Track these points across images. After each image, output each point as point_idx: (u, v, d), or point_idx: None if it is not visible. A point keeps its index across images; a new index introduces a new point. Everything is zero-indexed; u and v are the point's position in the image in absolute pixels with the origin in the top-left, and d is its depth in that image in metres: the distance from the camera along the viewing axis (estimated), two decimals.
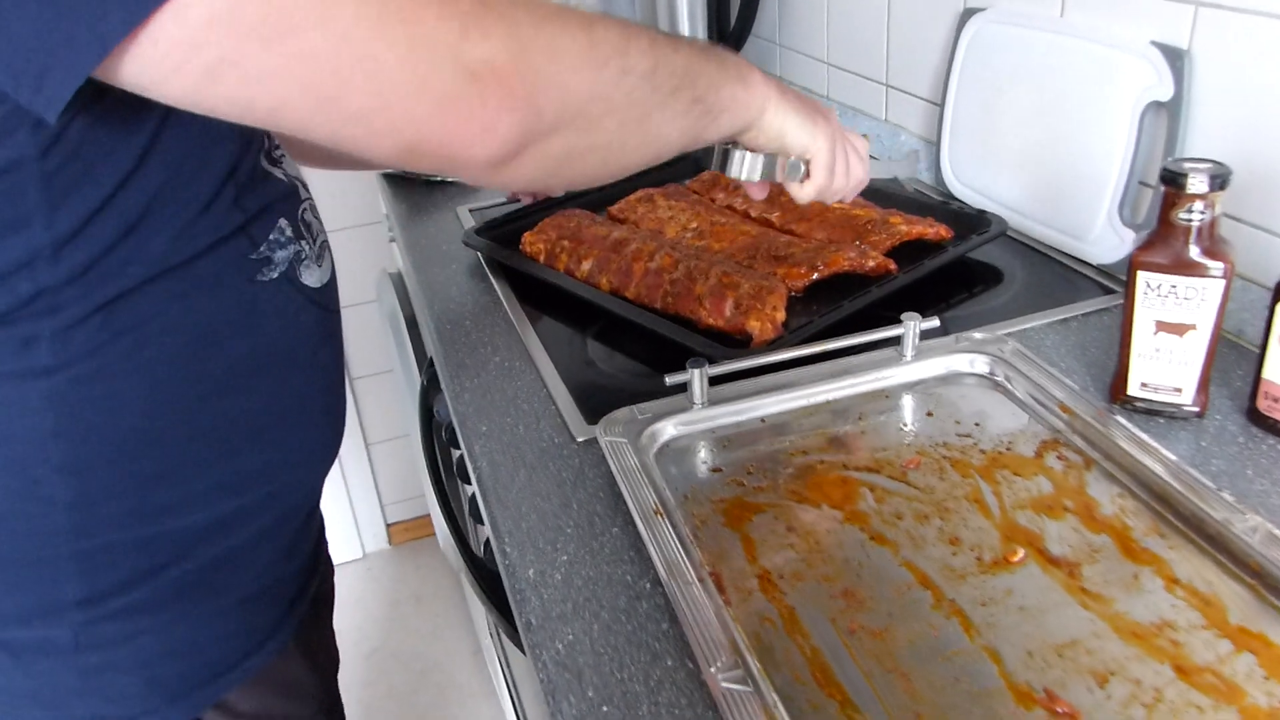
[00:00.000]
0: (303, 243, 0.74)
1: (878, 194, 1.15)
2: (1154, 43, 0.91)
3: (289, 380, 0.74)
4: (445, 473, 1.22)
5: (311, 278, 0.75)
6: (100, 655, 0.69)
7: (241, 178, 0.68)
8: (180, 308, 0.65)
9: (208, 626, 0.74)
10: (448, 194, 1.41)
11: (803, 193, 0.79)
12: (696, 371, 0.79)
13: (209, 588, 0.73)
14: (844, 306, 0.92)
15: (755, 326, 0.90)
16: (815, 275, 0.99)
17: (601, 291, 1.03)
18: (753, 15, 1.59)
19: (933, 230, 1.05)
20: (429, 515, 2.41)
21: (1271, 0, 0.80)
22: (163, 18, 0.45)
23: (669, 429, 0.79)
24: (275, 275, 0.71)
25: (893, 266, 0.99)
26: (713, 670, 0.55)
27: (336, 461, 1.74)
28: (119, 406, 0.64)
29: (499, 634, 1.52)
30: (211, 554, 0.72)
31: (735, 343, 0.90)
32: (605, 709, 0.57)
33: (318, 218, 0.79)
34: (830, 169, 0.78)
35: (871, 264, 0.99)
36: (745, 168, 0.77)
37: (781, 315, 0.91)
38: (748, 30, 1.62)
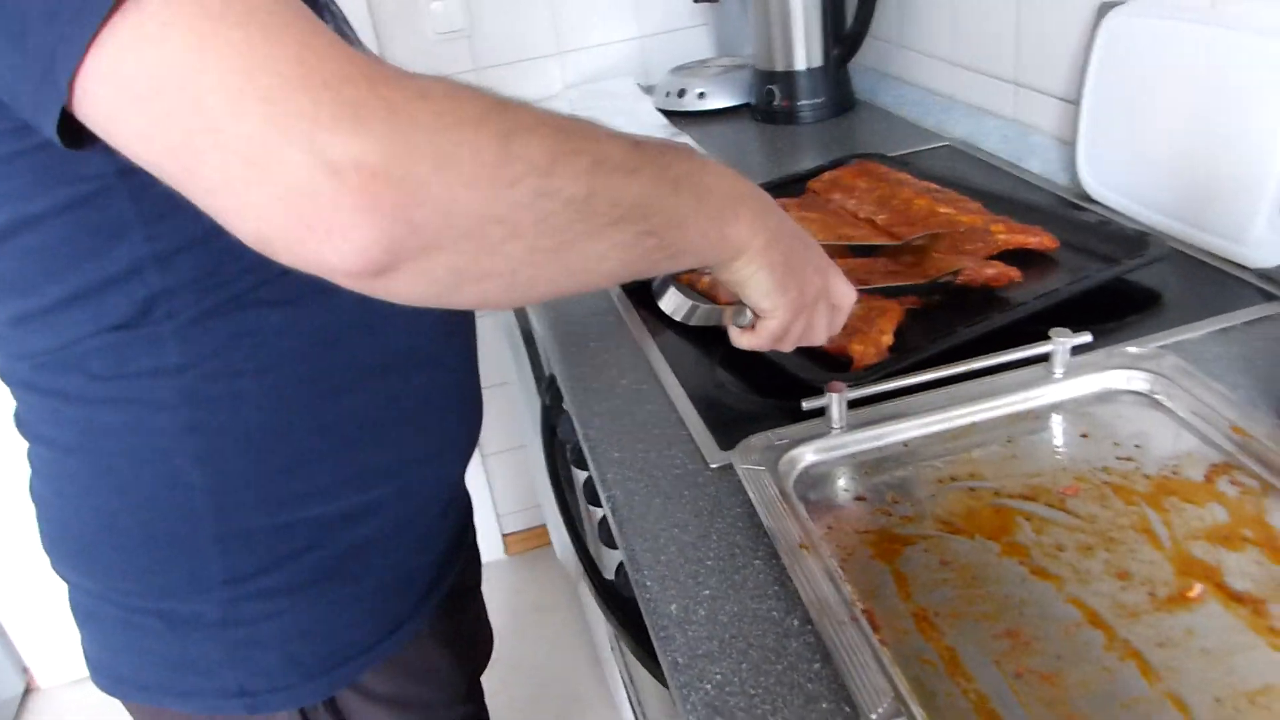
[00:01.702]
0: None
1: (1014, 204, 1.10)
2: None
3: (412, 379, 0.77)
4: (568, 491, 1.21)
5: None
6: (244, 631, 0.75)
7: None
8: (296, 312, 0.69)
9: (342, 611, 0.78)
10: None
11: (739, 339, 0.74)
12: (835, 396, 0.77)
13: (343, 574, 0.77)
14: (959, 332, 0.87)
15: (858, 350, 0.87)
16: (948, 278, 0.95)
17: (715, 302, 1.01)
18: (869, 16, 1.55)
19: (1036, 240, 1.00)
20: (544, 525, 2.42)
21: None
22: (83, 66, 0.45)
23: (808, 455, 0.77)
24: None
25: (1016, 275, 0.95)
26: (874, 717, 0.53)
27: None
28: (245, 403, 0.69)
29: (620, 647, 1.51)
30: (345, 543, 0.76)
31: (839, 365, 0.87)
32: None
33: None
34: (775, 337, 0.73)
35: (991, 272, 0.95)
36: (679, 313, 0.74)
37: (889, 339, 0.88)
38: (864, 31, 1.58)
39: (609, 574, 1.05)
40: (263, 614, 0.75)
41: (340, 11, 0.80)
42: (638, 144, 0.58)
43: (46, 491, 0.75)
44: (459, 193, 0.48)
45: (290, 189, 0.45)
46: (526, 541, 2.46)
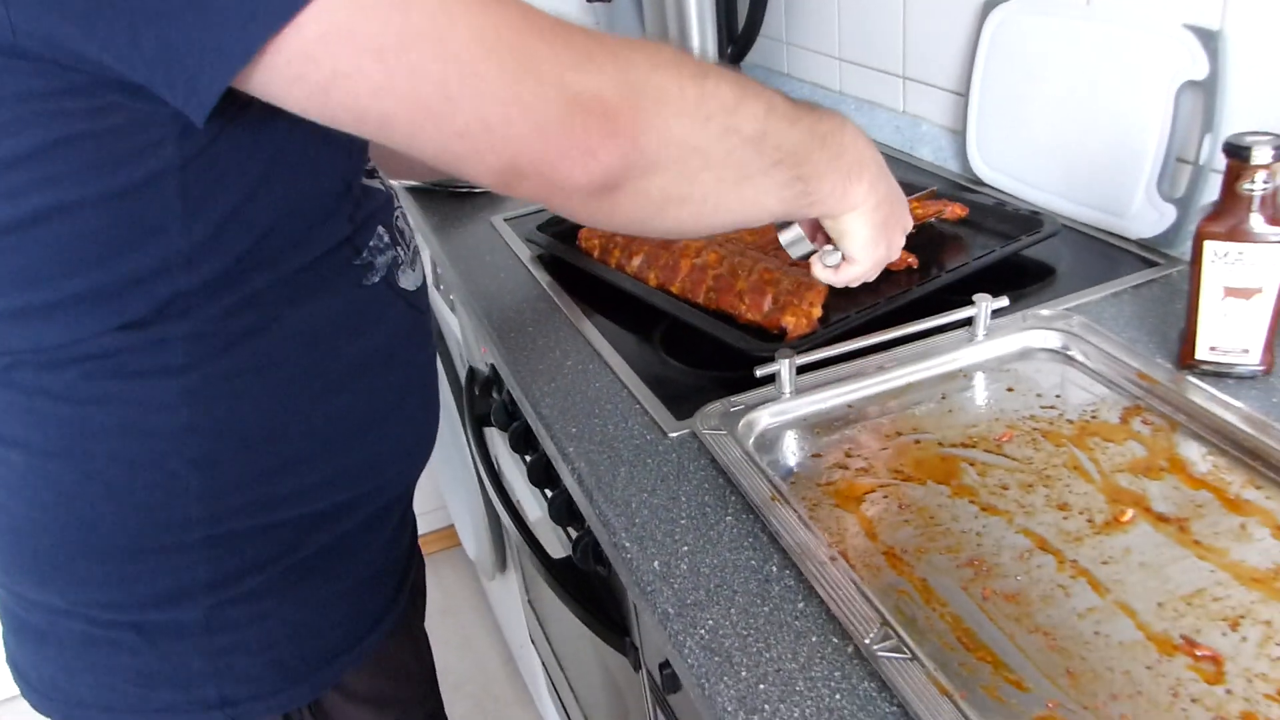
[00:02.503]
0: (399, 248, 0.78)
1: (913, 188, 1.18)
2: (1186, 25, 0.95)
3: (390, 379, 0.78)
4: (495, 478, 1.23)
5: (407, 281, 0.79)
6: (228, 637, 0.73)
7: (355, 191, 0.71)
8: (298, 312, 0.69)
9: (325, 610, 0.78)
10: (477, 204, 1.43)
11: (822, 273, 0.83)
12: (785, 362, 0.82)
13: (325, 573, 0.77)
14: (881, 304, 0.94)
15: (790, 322, 0.93)
16: None
17: (649, 287, 1.05)
18: (761, 15, 1.62)
19: (949, 210, 1.08)
20: (450, 527, 2.42)
21: None
22: (287, 31, 0.49)
23: (763, 418, 0.82)
24: (376, 280, 0.74)
25: (912, 261, 1.02)
26: (867, 642, 0.58)
27: None
28: (246, 404, 0.68)
29: (545, 637, 1.53)
30: (325, 541, 0.76)
31: (772, 338, 0.93)
32: (762, 687, 0.59)
33: (409, 224, 0.83)
34: (854, 279, 0.83)
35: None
36: (794, 246, 0.82)
37: (818, 311, 0.94)
38: (756, 30, 1.65)
39: (564, 552, 1.08)
40: (247, 618, 0.73)
41: None
42: (794, 100, 0.67)
43: (8, 501, 0.70)
44: (671, 122, 0.57)
45: (546, 121, 0.53)
46: (430, 545, 2.44)
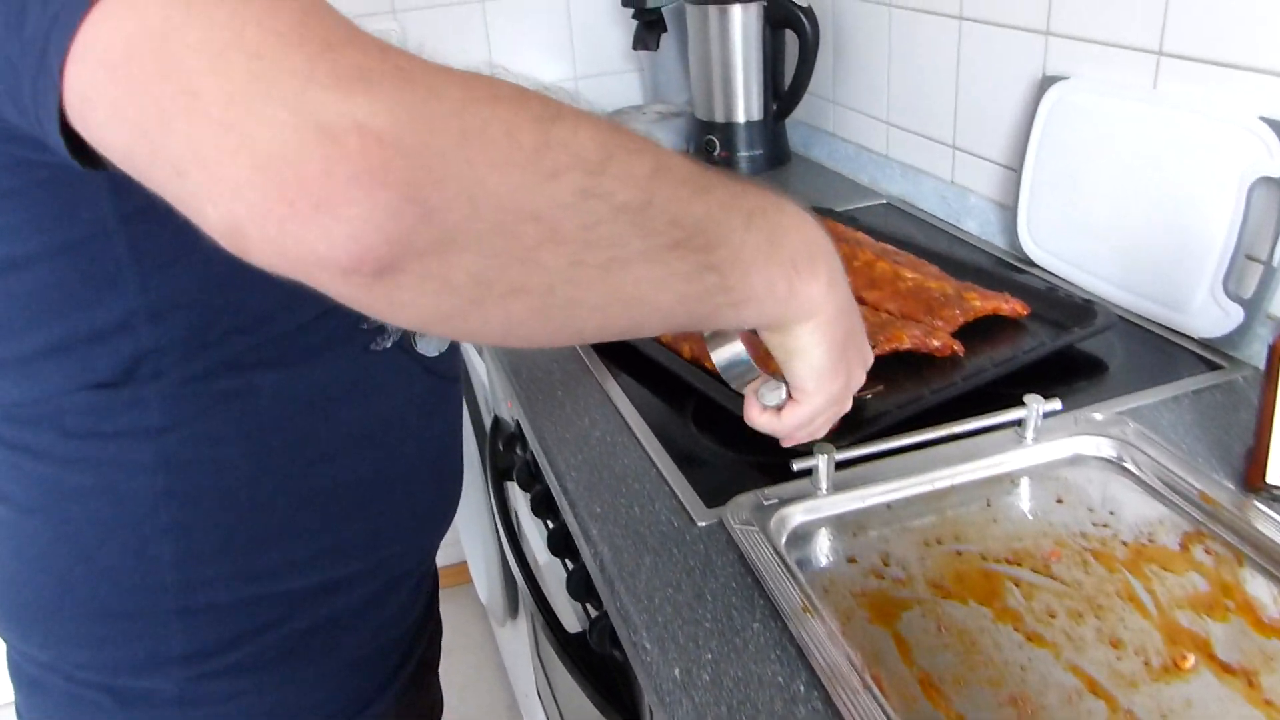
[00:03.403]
0: None
1: (961, 265, 1.14)
2: (1263, 118, 0.90)
3: (399, 449, 0.74)
4: (518, 537, 1.19)
5: (429, 346, 0.75)
6: (202, 711, 0.70)
7: None
8: (289, 376, 0.65)
9: (310, 690, 0.74)
10: None
11: (758, 417, 0.65)
12: (823, 458, 0.78)
13: (311, 652, 0.73)
14: (926, 397, 0.90)
15: None
16: (875, 352, 0.97)
17: (682, 359, 1.02)
18: (809, 73, 1.59)
19: (1008, 305, 1.04)
20: (463, 563, 2.37)
21: None
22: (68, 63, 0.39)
23: (797, 515, 0.77)
24: (389, 344, 0.70)
25: (958, 348, 0.98)
26: None
27: None
28: (227, 469, 0.65)
29: (551, 693, 1.49)
30: (316, 617, 0.72)
31: None
32: None
33: None
34: (800, 425, 0.64)
35: (936, 344, 0.98)
36: (731, 370, 0.63)
37: None
38: (803, 87, 1.62)
39: (579, 628, 1.03)
40: (223, 694, 0.70)
41: None
42: (705, 169, 0.49)
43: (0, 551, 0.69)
44: (486, 174, 0.38)
45: (272, 156, 0.35)
46: (441, 579, 2.40)
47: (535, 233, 0.41)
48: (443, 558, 2.38)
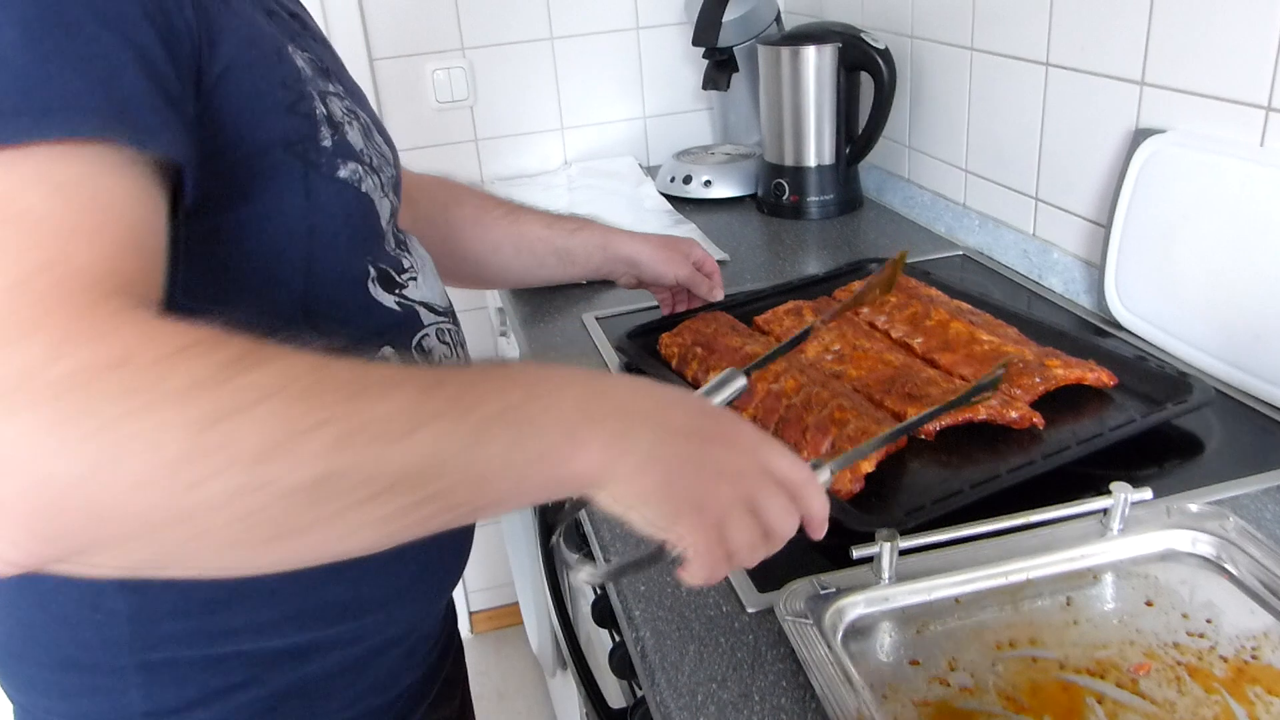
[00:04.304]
0: None
1: (1043, 328, 1.07)
2: None
3: None
4: (558, 593, 1.15)
5: None
6: None
7: (321, 311, 0.66)
8: None
9: None
10: (570, 297, 1.36)
11: (683, 576, 0.57)
12: (886, 545, 0.72)
13: (288, 716, 0.70)
14: (1002, 477, 0.83)
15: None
16: (947, 422, 0.91)
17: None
18: (884, 118, 1.54)
19: (1094, 375, 0.96)
20: (514, 604, 2.34)
21: None
22: None
23: (856, 607, 0.71)
24: None
25: (1038, 421, 0.91)
26: None
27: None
28: None
29: None
30: (288, 681, 0.69)
31: (873, 500, 0.83)
32: None
33: (453, 339, 0.77)
34: (707, 569, 0.56)
35: (1014, 415, 0.91)
36: (594, 580, 0.58)
37: (869, 467, 0.84)
38: (878, 131, 1.56)
39: (613, 698, 0.98)
40: None
41: (352, 86, 0.75)
42: (435, 385, 0.47)
43: None
44: (121, 495, 0.38)
45: None
46: (494, 620, 2.37)
47: (184, 532, 0.40)
48: (496, 597, 2.35)
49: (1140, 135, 1.09)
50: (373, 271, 0.70)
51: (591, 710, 0.97)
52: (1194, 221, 1.02)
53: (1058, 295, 1.25)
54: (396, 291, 0.72)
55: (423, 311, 0.75)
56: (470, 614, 2.35)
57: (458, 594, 2.29)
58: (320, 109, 0.65)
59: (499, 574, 2.31)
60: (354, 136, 0.68)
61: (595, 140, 1.97)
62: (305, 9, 0.79)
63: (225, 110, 0.57)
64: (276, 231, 0.62)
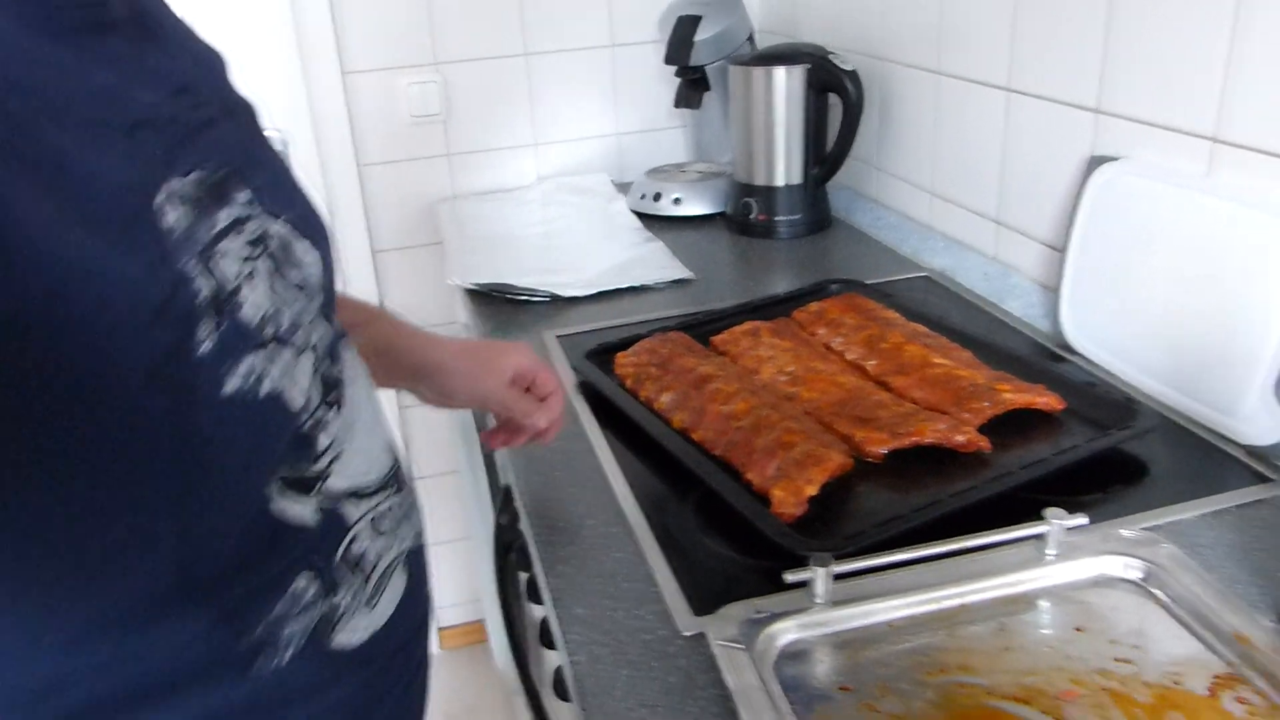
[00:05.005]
0: (340, 594, 0.57)
1: (998, 352, 1.08)
2: None
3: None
4: (519, 621, 1.15)
5: (354, 632, 0.58)
6: None
7: (200, 577, 0.49)
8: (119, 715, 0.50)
9: None
10: (535, 314, 1.36)
11: None
12: (821, 570, 0.72)
13: None
14: (944, 501, 0.84)
15: (778, 496, 0.84)
16: (895, 445, 0.91)
17: (673, 430, 0.98)
18: (852, 138, 1.54)
19: (1043, 400, 0.97)
20: (482, 620, 2.33)
21: None
22: None
23: (789, 632, 0.72)
24: (287, 657, 0.54)
25: (985, 446, 0.91)
26: None
27: None
28: None
29: None
30: None
31: (812, 524, 0.84)
32: None
33: (396, 514, 0.63)
34: None
35: (961, 439, 0.92)
36: None
37: (812, 490, 0.84)
38: (846, 153, 1.57)
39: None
40: None
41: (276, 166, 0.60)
42: None
43: None
44: None
45: None
46: (464, 636, 2.36)
47: None
48: (465, 614, 2.34)
49: (1095, 162, 1.10)
50: (277, 488, 0.53)
51: None
52: (1145, 248, 1.03)
53: (1016, 319, 1.26)
54: (314, 494, 0.55)
55: (348, 507, 0.58)
56: (439, 630, 2.34)
57: None
58: (202, 289, 0.47)
59: (469, 589, 2.30)
60: (255, 298, 0.51)
61: (569, 156, 1.98)
62: (208, 58, 0.61)
63: (42, 359, 0.40)
64: (133, 501, 0.45)
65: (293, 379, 0.53)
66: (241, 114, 0.60)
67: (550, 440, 0.91)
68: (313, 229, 0.60)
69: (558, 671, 0.88)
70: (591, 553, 0.84)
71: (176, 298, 0.45)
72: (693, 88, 1.83)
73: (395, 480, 0.64)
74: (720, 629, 0.71)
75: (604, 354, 1.15)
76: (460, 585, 2.29)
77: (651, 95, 1.99)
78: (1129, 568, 0.75)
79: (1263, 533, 0.81)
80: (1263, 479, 0.88)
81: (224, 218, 0.51)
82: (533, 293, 1.39)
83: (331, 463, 0.57)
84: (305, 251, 0.58)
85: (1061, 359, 1.13)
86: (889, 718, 0.65)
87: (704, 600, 0.76)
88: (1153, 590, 0.74)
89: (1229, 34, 0.91)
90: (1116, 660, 0.68)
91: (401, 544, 0.63)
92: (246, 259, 0.52)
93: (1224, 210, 0.93)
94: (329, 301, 0.61)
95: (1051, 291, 1.19)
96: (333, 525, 0.56)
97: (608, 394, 1.07)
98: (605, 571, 0.82)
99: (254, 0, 1.71)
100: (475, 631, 2.36)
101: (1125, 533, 0.78)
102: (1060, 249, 1.15)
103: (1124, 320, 1.06)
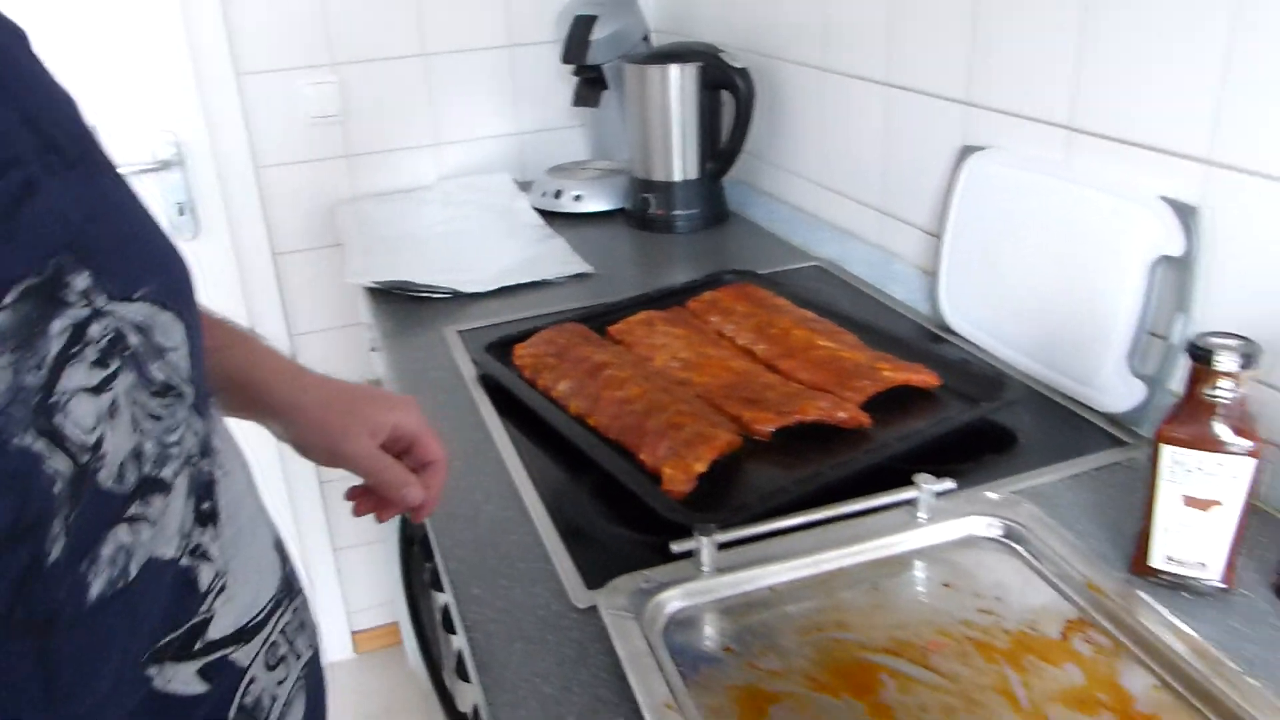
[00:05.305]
0: None
1: (881, 334, 1.13)
2: (1163, 198, 0.90)
3: None
4: (425, 613, 1.16)
5: (184, 682, 0.50)
6: None
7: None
8: None
9: None
10: (435, 311, 1.38)
11: None
12: (705, 540, 0.75)
13: None
14: (824, 473, 0.89)
15: (668, 473, 0.88)
16: (781, 424, 0.96)
17: (570, 416, 1.01)
18: (745, 134, 1.59)
19: (919, 377, 1.03)
20: (396, 623, 2.32)
21: None
22: None
23: (676, 600, 0.75)
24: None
25: (865, 421, 0.96)
26: None
27: (304, 568, 1.67)
28: None
29: None
30: None
31: (704, 498, 0.88)
32: None
33: (288, 639, 0.57)
34: None
35: (842, 415, 0.96)
36: None
37: (700, 467, 0.88)
38: (739, 148, 1.61)
39: (464, 704, 1.00)
40: None
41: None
42: None
43: None
44: None
45: None
46: (378, 639, 2.35)
47: None
48: (381, 615, 2.33)
49: (966, 152, 1.16)
50: (155, 666, 0.47)
51: (442, 714, 0.98)
52: (1011, 232, 1.09)
53: (899, 303, 1.32)
54: (195, 655, 0.49)
55: (237, 654, 0.52)
56: (353, 633, 2.33)
57: (340, 614, 2.27)
58: (57, 474, 0.39)
59: (380, 593, 2.29)
60: (116, 444, 0.42)
61: (469, 156, 1.99)
62: (45, 101, 0.47)
63: None
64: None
65: (164, 532, 0.46)
66: (81, 162, 0.46)
67: (421, 519, 0.78)
68: (174, 288, 0.50)
69: (459, 655, 0.90)
70: (489, 537, 0.87)
71: (27, 506, 0.36)
72: (590, 86, 1.86)
73: (287, 592, 0.58)
74: (611, 600, 0.74)
75: (503, 346, 1.18)
76: (374, 588, 2.29)
77: (550, 94, 2.01)
78: (992, 526, 0.80)
79: (1116, 492, 0.87)
80: (1119, 443, 0.94)
81: (58, 332, 0.40)
82: (433, 289, 1.40)
83: (215, 599, 0.50)
84: (169, 328, 0.48)
85: (940, 339, 1.18)
86: (769, 674, 0.69)
87: (598, 575, 0.79)
88: (1015, 547, 0.79)
89: (1077, 28, 0.97)
90: (980, 611, 0.73)
91: (299, 660, 0.58)
92: (101, 386, 0.42)
93: (1079, 194, 0.99)
94: (199, 389, 0.51)
95: (930, 276, 1.25)
96: (222, 683, 0.50)
97: (506, 384, 1.09)
98: (502, 553, 0.84)
99: None
100: (390, 634, 2.35)
101: (990, 495, 0.83)
102: (938, 235, 1.21)
103: (995, 300, 1.12)
